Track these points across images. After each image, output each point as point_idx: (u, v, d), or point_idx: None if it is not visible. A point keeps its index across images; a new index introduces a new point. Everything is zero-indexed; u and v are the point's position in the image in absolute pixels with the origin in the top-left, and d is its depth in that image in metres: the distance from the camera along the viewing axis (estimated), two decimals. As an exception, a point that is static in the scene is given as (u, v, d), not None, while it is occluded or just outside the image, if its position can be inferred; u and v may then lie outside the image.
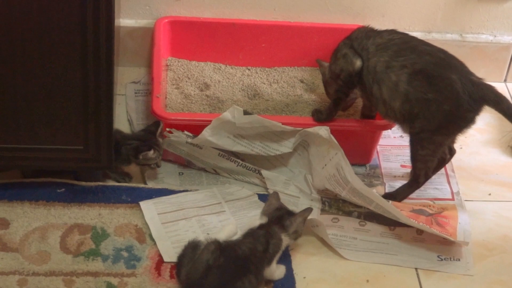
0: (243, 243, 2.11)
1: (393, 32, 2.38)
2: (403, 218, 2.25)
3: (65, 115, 2.17)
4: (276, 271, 2.15)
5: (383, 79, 2.31)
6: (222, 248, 2.08)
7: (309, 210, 2.19)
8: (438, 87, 2.26)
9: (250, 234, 2.14)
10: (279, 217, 2.16)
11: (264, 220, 2.17)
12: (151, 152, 2.34)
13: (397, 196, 2.42)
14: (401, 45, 2.32)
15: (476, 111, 2.29)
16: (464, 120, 2.30)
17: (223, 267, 2.05)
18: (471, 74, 2.31)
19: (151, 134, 2.37)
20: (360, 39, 2.37)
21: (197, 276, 2.04)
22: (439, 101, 2.26)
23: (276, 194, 2.23)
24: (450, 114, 2.27)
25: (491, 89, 2.29)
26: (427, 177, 2.42)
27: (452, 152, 2.48)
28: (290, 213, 2.18)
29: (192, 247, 2.10)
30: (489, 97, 2.28)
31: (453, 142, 2.45)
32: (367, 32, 2.39)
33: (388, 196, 2.41)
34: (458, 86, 2.25)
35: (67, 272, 2.13)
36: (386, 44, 2.33)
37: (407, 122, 2.32)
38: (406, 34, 2.38)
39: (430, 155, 2.35)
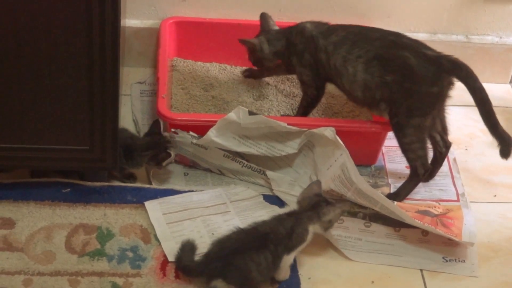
0: (266, 223, 2.14)
1: (346, 27, 2.45)
2: (408, 219, 2.25)
3: (70, 116, 2.17)
4: (286, 271, 2.15)
5: (342, 73, 2.39)
6: (245, 229, 2.14)
7: (347, 203, 2.20)
8: (394, 68, 2.31)
9: (277, 217, 2.16)
10: (315, 204, 2.16)
11: (295, 207, 2.18)
12: (172, 155, 2.36)
13: (399, 193, 2.43)
14: (354, 38, 2.39)
15: (440, 84, 2.31)
16: (431, 96, 2.32)
17: (242, 238, 2.09)
18: (426, 48, 2.34)
19: (158, 136, 2.38)
20: (317, 39, 2.44)
21: (217, 247, 2.09)
22: (398, 81, 2.30)
23: (318, 182, 2.23)
24: (413, 92, 2.30)
25: (448, 58, 2.31)
26: (426, 168, 2.41)
27: (447, 144, 2.49)
28: (328, 202, 2.18)
29: (189, 249, 2.11)
30: (445, 66, 2.30)
31: (445, 132, 2.47)
32: (322, 32, 2.45)
33: (391, 196, 2.41)
34: (412, 61, 2.29)
35: (72, 272, 2.13)
36: (341, 41, 2.40)
37: (374, 107, 2.40)
38: (360, 26, 2.46)
39: (416, 141, 2.36)
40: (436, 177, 2.53)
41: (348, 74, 2.39)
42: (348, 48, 2.39)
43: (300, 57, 2.51)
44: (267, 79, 2.78)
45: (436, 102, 2.35)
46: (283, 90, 2.74)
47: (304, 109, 2.58)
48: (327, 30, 2.47)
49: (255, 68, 2.71)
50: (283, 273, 2.15)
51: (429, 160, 2.45)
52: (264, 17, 2.63)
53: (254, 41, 2.57)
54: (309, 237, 2.15)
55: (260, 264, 2.06)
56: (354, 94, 2.41)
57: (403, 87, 2.31)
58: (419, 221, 2.26)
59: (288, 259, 2.13)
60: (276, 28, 2.62)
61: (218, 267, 2.05)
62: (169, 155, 2.36)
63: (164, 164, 2.37)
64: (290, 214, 2.16)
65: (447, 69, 2.31)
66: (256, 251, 2.06)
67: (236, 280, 2.05)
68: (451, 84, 2.35)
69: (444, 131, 2.47)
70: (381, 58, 2.34)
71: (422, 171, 2.40)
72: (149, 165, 2.40)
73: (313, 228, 2.15)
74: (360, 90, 2.38)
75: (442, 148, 2.48)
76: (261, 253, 2.06)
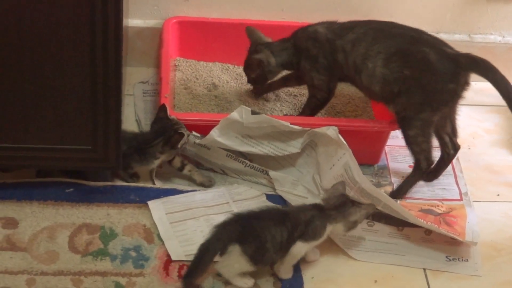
0: (288, 206, 2.19)
1: (366, 23, 2.44)
2: (411, 217, 2.25)
3: (73, 115, 2.17)
4: (290, 269, 2.16)
5: (361, 69, 2.38)
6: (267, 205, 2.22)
7: (372, 206, 2.20)
8: (413, 63, 2.32)
9: (300, 206, 2.20)
10: (341, 204, 2.16)
11: (323, 203, 2.19)
12: (185, 134, 2.34)
13: (401, 188, 2.44)
14: (374, 34, 2.39)
15: (456, 81, 2.32)
16: (446, 93, 2.33)
17: (262, 210, 2.14)
18: (446, 46, 2.36)
19: (165, 120, 2.37)
20: (333, 42, 2.43)
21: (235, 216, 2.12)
22: (416, 76, 2.31)
23: (342, 182, 2.23)
24: (430, 87, 2.31)
25: (465, 56, 2.33)
26: (429, 163, 2.41)
27: (456, 147, 2.49)
28: (355, 203, 2.18)
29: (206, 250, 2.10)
30: (463, 64, 2.31)
31: (454, 134, 2.47)
32: (336, 33, 2.44)
33: (393, 193, 2.42)
34: (432, 57, 2.31)
35: (76, 272, 2.14)
36: (360, 38, 2.40)
37: (391, 102, 2.38)
38: (380, 22, 2.45)
39: (421, 135, 2.36)
40: (439, 176, 2.53)
41: (367, 70, 2.38)
42: (367, 44, 2.38)
43: (314, 62, 2.48)
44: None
45: (450, 99, 2.35)
46: (285, 90, 2.74)
47: (312, 111, 2.56)
48: (340, 29, 2.45)
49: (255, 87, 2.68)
50: (287, 269, 2.15)
51: (435, 160, 2.46)
52: (251, 30, 2.58)
53: (260, 56, 2.52)
54: (325, 235, 2.15)
55: (275, 237, 2.07)
56: (373, 89, 2.40)
57: (420, 83, 2.31)
58: (422, 220, 2.26)
59: (299, 248, 2.12)
60: (269, 39, 2.57)
61: (236, 230, 2.06)
62: (182, 135, 2.33)
63: (179, 146, 2.35)
64: (314, 206, 2.17)
65: (465, 66, 2.32)
66: (274, 224, 2.08)
67: (251, 247, 2.05)
68: (467, 83, 2.36)
69: (453, 133, 2.47)
70: (401, 53, 2.34)
71: (425, 165, 2.41)
72: (166, 152, 2.37)
73: (333, 228, 2.16)
74: (378, 85, 2.38)
75: (451, 150, 2.48)
76: (278, 227, 2.08)
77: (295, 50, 2.51)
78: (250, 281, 2.13)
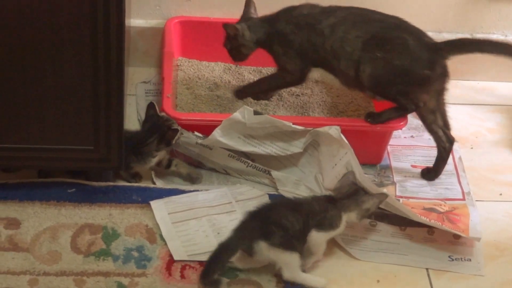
0: (301, 197, 2.20)
1: (347, 9, 2.45)
2: (414, 215, 2.25)
3: (76, 116, 2.17)
4: (312, 271, 2.18)
5: (340, 54, 2.40)
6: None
7: (384, 195, 2.19)
8: (390, 47, 2.36)
9: (314, 197, 2.21)
10: (353, 192, 2.17)
11: (334, 194, 2.20)
12: (179, 129, 2.35)
13: (382, 116, 2.45)
14: (354, 19, 2.41)
15: (432, 69, 2.37)
16: (419, 76, 2.37)
17: (275, 201, 2.20)
18: (426, 36, 2.40)
19: (156, 117, 2.38)
20: (313, 26, 2.43)
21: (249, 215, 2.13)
22: (388, 57, 2.35)
23: (352, 172, 2.23)
24: (402, 68, 2.35)
25: (445, 42, 2.39)
26: (417, 106, 2.43)
27: (450, 139, 2.49)
28: (366, 192, 2.18)
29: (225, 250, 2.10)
30: (444, 50, 2.38)
31: (447, 127, 2.49)
32: (316, 17, 2.44)
33: (372, 116, 2.45)
34: (411, 43, 2.35)
35: (78, 272, 2.14)
36: (340, 22, 2.41)
37: (360, 88, 2.44)
38: (361, 8, 2.46)
39: (402, 91, 2.39)
40: (441, 176, 2.53)
41: (346, 54, 2.39)
42: (346, 28, 2.39)
43: (288, 47, 2.48)
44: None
45: (422, 82, 2.38)
46: (288, 90, 2.74)
47: (271, 87, 2.60)
48: (321, 13, 2.46)
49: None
50: (310, 260, 2.17)
51: (434, 159, 2.46)
52: (248, 3, 2.58)
53: (237, 26, 2.52)
54: (342, 225, 2.16)
55: (293, 225, 2.08)
56: (349, 74, 2.42)
57: (392, 63, 2.35)
58: (425, 218, 2.26)
59: (316, 237, 2.13)
60: (256, 16, 2.57)
61: (256, 227, 2.07)
62: (176, 131, 2.34)
63: (174, 142, 2.36)
64: (326, 197, 2.18)
65: (445, 53, 2.37)
66: (290, 211, 2.09)
67: (277, 238, 2.06)
68: (444, 74, 2.40)
69: (446, 126, 2.48)
70: (380, 37, 2.37)
71: (413, 108, 2.42)
72: (162, 149, 2.38)
73: (348, 217, 2.16)
74: (354, 69, 2.40)
75: (446, 144, 2.48)
76: (294, 215, 2.09)
77: (271, 31, 2.51)
78: (322, 280, 2.16)
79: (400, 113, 2.44)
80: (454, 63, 2.88)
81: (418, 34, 2.38)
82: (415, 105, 2.41)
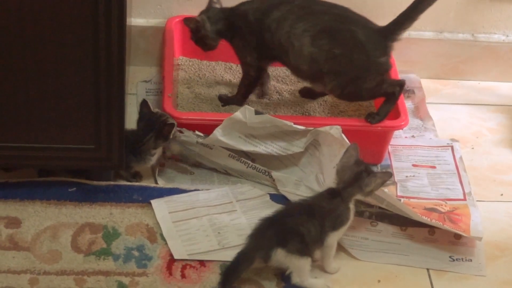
0: (307, 198, 2.19)
1: (289, 1, 2.44)
2: (415, 215, 2.24)
3: (77, 115, 2.17)
4: (331, 260, 2.18)
5: (287, 48, 2.41)
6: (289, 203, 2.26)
7: (388, 174, 2.19)
8: (343, 41, 2.36)
9: (318, 195, 2.20)
10: (356, 176, 2.15)
11: (336, 183, 2.17)
12: (175, 123, 2.35)
13: (380, 113, 2.45)
14: (298, 12, 2.41)
15: (386, 53, 2.40)
16: (379, 65, 2.40)
17: (288, 208, 2.19)
18: (370, 22, 2.42)
19: (150, 114, 2.38)
20: (261, 21, 2.44)
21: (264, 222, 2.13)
22: (347, 53, 2.36)
23: (355, 145, 2.19)
24: (362, 62, 2.37)
25: (389, 25, 2.39)
26: (401, 86, 2.45)
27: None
28: (369, 171, 2.16)
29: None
30: (389, 32, 2.38)
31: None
32: (264, 12, 2.45)
33: (370, 115, 2.46)
34: (360, 35, 2.36)
35: (78, 271, 2.13)
36: (284, 16, 2.41)
37: (319, 81, 2.44)
38: (303, 0, 2.46)
39: (380, 87, 2.42)
40: (443, 176, 2.53)
41: (293, 49, 2.40)
42: (292, 22, 2.40)
43: (245, 41, 2.50)
44: (271, 77, 2.76)
45: (384, 69, 2.42)
46: (288, 90, 2.74)
47: (246, 88, 2.59)
48: (267, 6, 2.46)
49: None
50: (329, 262, 2.18)
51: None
52: None
53: (198, 19, 2.53)
54: (351, 215, 2.16)
55: (310, 230, 2.08)
56: (300, 68, 2.43)
57: (352, 59, 2.36)
58: (426, 217, 2.25)
59: (333, 238, 2.14)
60: (220, 6, 2.58)
61: (273, 235, 2.06)
62: (172, 125, 2.34)
63: (171, 136, 2.35)
64: (330, 193, 2.16)
65: (391, 36, 2.38)
66: (306, 217, 2.09)
67: (295, 245, 2.07)
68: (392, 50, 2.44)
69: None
70: (329, 31, 2.37)
71: (399, 90, 2.45)
72: (159, 146, 2.38)
73: (354, 203, 2.17)
74: (306, 64, 2.40)
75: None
76: (310, 220, 2.09)
77: (229, 24, 2.53)
78: (328, 283, 2.16)
79: (392, 100, 2.46)
80: (455, 63, 2.89)
81: (364, 23, 2.40)
82: (398, 86, 2.44)
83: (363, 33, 2.36)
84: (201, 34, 2.54)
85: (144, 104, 2.39)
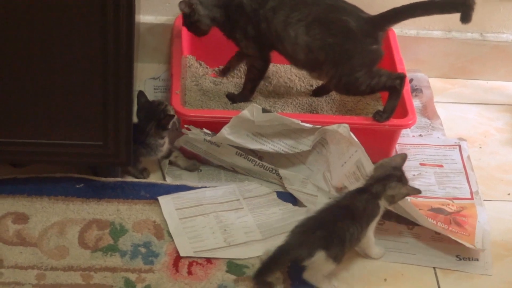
0: (342, 199, 2.18)
1: None
2: (422, 219, 2.24)
3: (85, 111, 2.17)
4: (374, 247, 2.21)
5: (283, 37, 2.42)
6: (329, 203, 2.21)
7: (417, 191, 2.18)
8: (334, 30, 2.38)
9: (348, 194, 2.20)
10: (386, 176, 2.16)
11: (366, 179, 2.19)
12: (173, 112, 2.36)
13: (386, 110, 2.44)
14: (291, 2, 2.42)
15: (377, 42, 2.41)
16: (371, 53, 2.41)
17: (334, 211, 2.14)
18: (360, 11, 2.42)
19: (149, 104, 2.39)
20: (257, 12, 2.45)
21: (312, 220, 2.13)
22: (340, 43, 2.37)
23: (404, 155, 2.23)
24: (355, 53, 2.38)
25: (379, 15, 2.41)
26: (401, 79, 2.44)
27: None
28: (401, 180, 2.17)
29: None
30: (380, 23, 2.40)
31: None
32: (259, 2, 2.46)
33: (377, 113, 2.44)
34: (352, 25, 2.37)
35: (85, 267, 2.14)
36: (279, 5, 2.43)
37: (317, 70, 2.45)
38: None
39: (369, 82, 2.42)
40: (450, 175, 2.53)
41: (289, 38, 2.41)
42: (286, 12, 2.41)
43: (243, 32, 2.50)
44: (279, 75, 2.76)
45: (376, 57, 2.42)
46: (296, 87, 2.74)
47: (252, 83, 2.60)
48: None
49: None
50: (373, 248, 2.22)
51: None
52: None
53: (191, 1, 2.52)
54: (381, 211, 2.17)
55: (353, 234, 2.10)
56: (297, 57, 2.44)
57: (345, 48, 2.37)
58: (432, 221, 2.25)
59: (370, 230, 2.17)
60: None
61: (322, 236, 2.06)
62: (172, 116, 2.35)
63: (170, 126, 2.36)
64: (360, 191, 2.18)
65: (381, 25, 2.41)
66: (351, 221, 2.10)
67: (336, 251, 2.08)
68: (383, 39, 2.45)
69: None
70: (321, 21, 2.38)
71: (401, 83, 2.44)
72: (160, 133, 2.38)
73: (382, 206, 2.18)
74: (302, 53, 2.42)
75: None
76: (353, 223, 2.10)
77: (226, 16, 2.52)
78: (336, 283, 2.17)
79: (395, 95, 2.45)
80: (463, 62, 2.88)
81: (355, 12, 2.40)
82: (398, 79, 2.44)
83: (355, 22, 2.37)
84: (194, 19, 2.54)
85: (141, 94, 2.40)
